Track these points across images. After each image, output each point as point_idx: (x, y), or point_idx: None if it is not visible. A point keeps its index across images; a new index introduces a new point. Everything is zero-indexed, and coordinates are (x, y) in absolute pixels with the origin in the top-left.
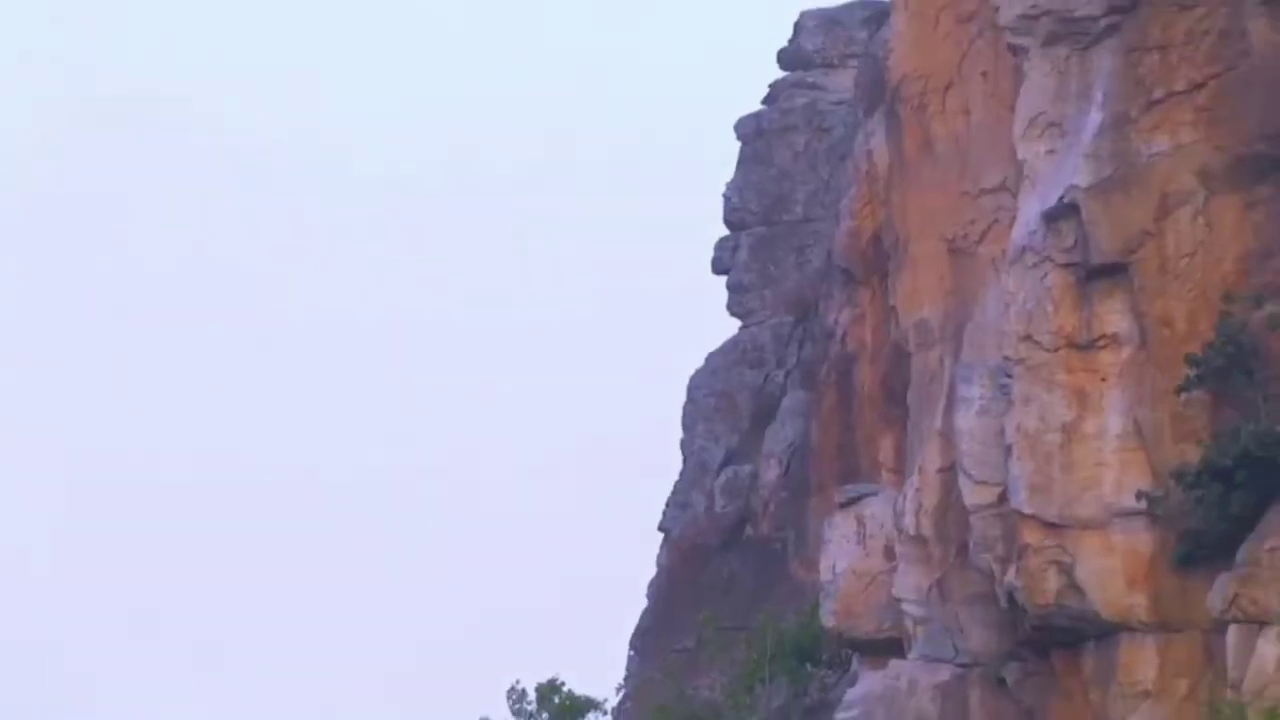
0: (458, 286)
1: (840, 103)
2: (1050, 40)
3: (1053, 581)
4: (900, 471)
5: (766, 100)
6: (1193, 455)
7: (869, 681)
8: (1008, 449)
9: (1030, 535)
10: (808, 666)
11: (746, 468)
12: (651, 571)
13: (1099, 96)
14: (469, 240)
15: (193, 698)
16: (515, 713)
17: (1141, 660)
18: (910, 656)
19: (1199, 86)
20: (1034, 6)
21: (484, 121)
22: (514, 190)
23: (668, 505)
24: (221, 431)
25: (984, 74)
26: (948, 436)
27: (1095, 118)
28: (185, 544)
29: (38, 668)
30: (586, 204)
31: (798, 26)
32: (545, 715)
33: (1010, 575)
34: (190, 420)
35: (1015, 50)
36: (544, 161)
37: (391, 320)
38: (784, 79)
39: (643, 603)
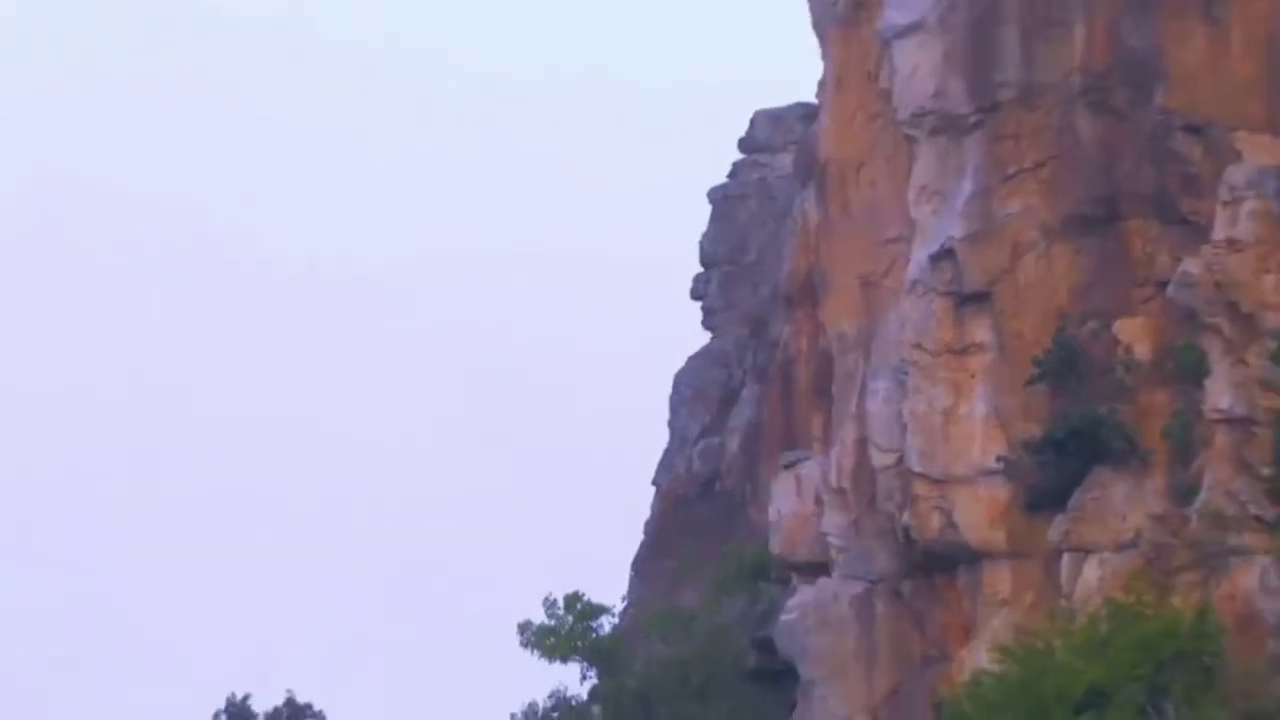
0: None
1: (783, 177)
2: (934, 132)
3: (936, 521)
4: (827, 442)
5: (730, 175)
6: (1036, 431)
7: (804, 593)
8: (904, 426)
9: (920, 488)
10: (760, 583)
11: (716, 440)
12: (647, 514)
13: (969, 173)
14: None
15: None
16: (549, 615)
17: (999, 578)
18: (834, 575)
19: (1041, 165)
20: (922, 108)
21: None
22: (541, 237)
23: (658, 467)
24: None
25: (886, 157)
26: (861, 418)
27: (966, 188)
28: None
29: None
30: (601, 248)
31: (752, 122)
32: (570, 618)
33: (905, 517)
34: None
35: (909, 140)
36: (565, 212)
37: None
38: (743, 160)
39: (640, 537)
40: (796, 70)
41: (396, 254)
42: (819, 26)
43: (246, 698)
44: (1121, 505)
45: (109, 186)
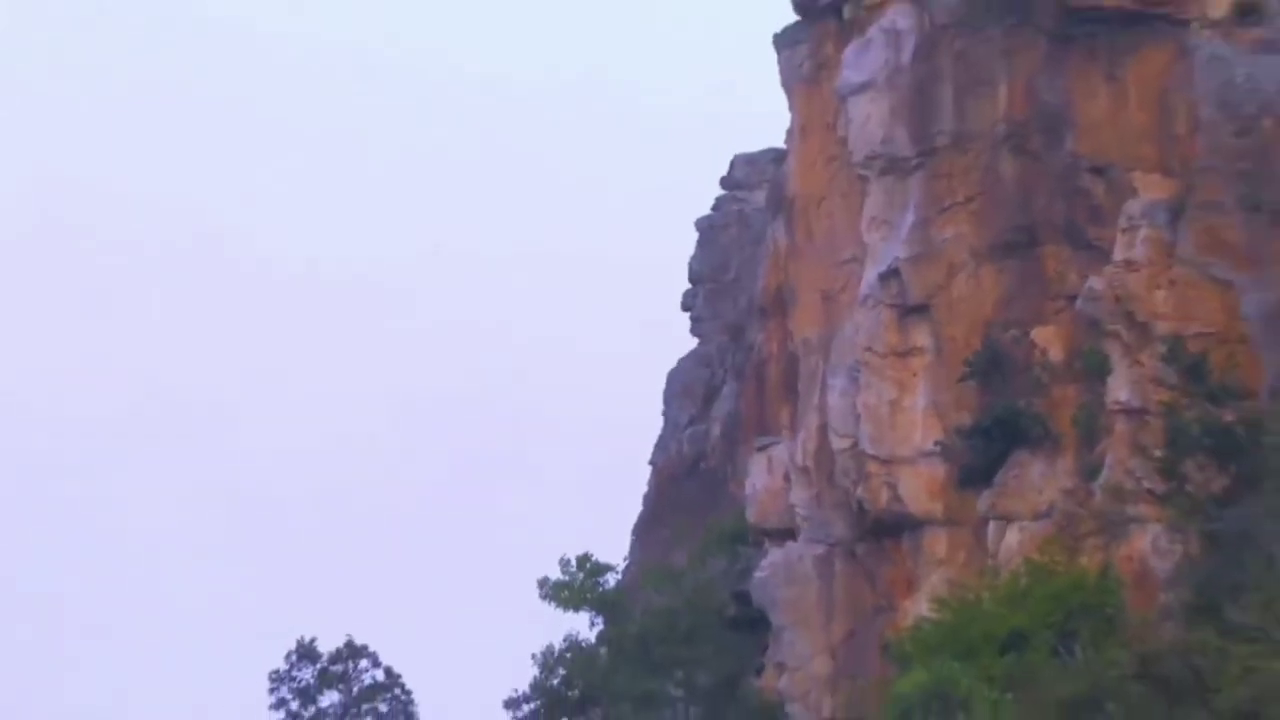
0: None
1: (758, 209)
2: (883, 172)
3: (884, 495)
4: (794, 429)
5: (714, 207)
6: (967, 420)
7: (775, 555)
8: (857, 416)
9: (871, 467)
10: (738, 546)
11: (702, 427)
12: (645, 489)
13: (911, 206)
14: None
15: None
16: (563, 573)
17: (937, 542)
18: (799, 539)
19: (971, 200)
20: (873, 152)
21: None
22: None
23: (654, 449)
24: None
25: (843, 193)
26: (822, 409)
27: (909, 218)
28: None
29: None
30: (605, 263)
31: (732, 163)
32: (581, 575)
33: (859, 491)
34: None
35: (862, 178)
36: (574, 239)
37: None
38: (724, 195)
39: (639, 508)
40: (770, 119)
41: (409, 255)
42: (787, 85)
43: (313, 640)
44: (1038, 481)
45: (110, 186)
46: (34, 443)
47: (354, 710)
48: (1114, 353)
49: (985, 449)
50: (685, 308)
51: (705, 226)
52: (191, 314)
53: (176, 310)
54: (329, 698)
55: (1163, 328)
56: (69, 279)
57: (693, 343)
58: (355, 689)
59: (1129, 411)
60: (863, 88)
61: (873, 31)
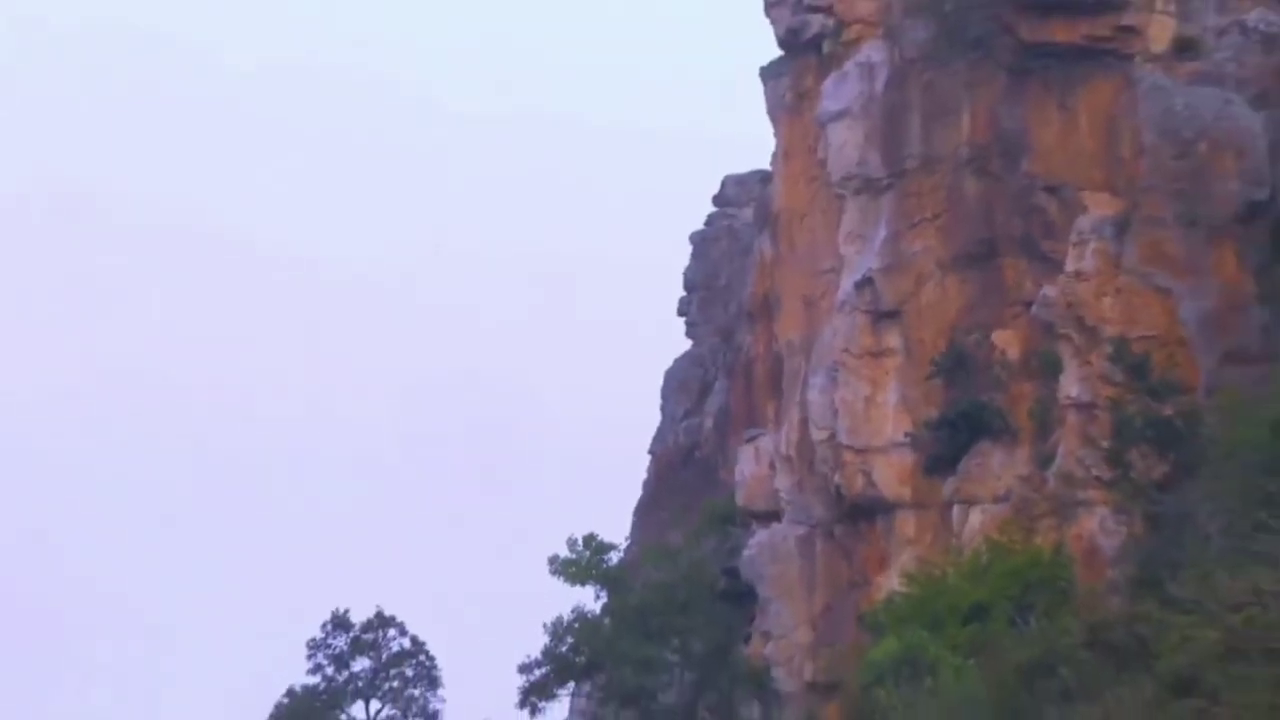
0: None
1: (746, 224)
2: (858, 191)
3: (859, 481)
4: (778, 422)
5: (706, 222)
6: (934, 413)
7: (761, 535)
8: (835, 410)
9: (847, 456)
10: (729, 527)
11: (696, 420)
12: (644, 476)
13: (884, 221)
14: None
15: None
16: (571, 551)
17: (907, 523)
18: (783, 521)
19: (937, 216)
20: (849, 173)
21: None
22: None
23: (653, 440)
24: None
25: (822, 210)
26: (803, 404)
27: (882, 232)
28: None
29: None
30: (611, 282)
31: (723, 183)
32: (587, 553)
33: (837, 477)
34: None
35: (839, 197)
36: (582, 251)
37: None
38: (716, 211)
39: (639, 492)
40: (757, 143)
41: (425, 257)
42: (772, 113)
43: (346, 611)
44: (997, 469)
45: (112, 186)
46: (82, 425)
47: (383, 675)
48: (1066, 353)
49: (950, 440)
50: (681, 313)
51: (698, 240)
52: (219, 304)
53: (199, 299)
54: (360, 663)
55: (1109, 331)
56: (87, 274)
57: (687, 344)
58: (384, 655)
59: (1079, 406)
60: (840, 115)
61: (849, 65)
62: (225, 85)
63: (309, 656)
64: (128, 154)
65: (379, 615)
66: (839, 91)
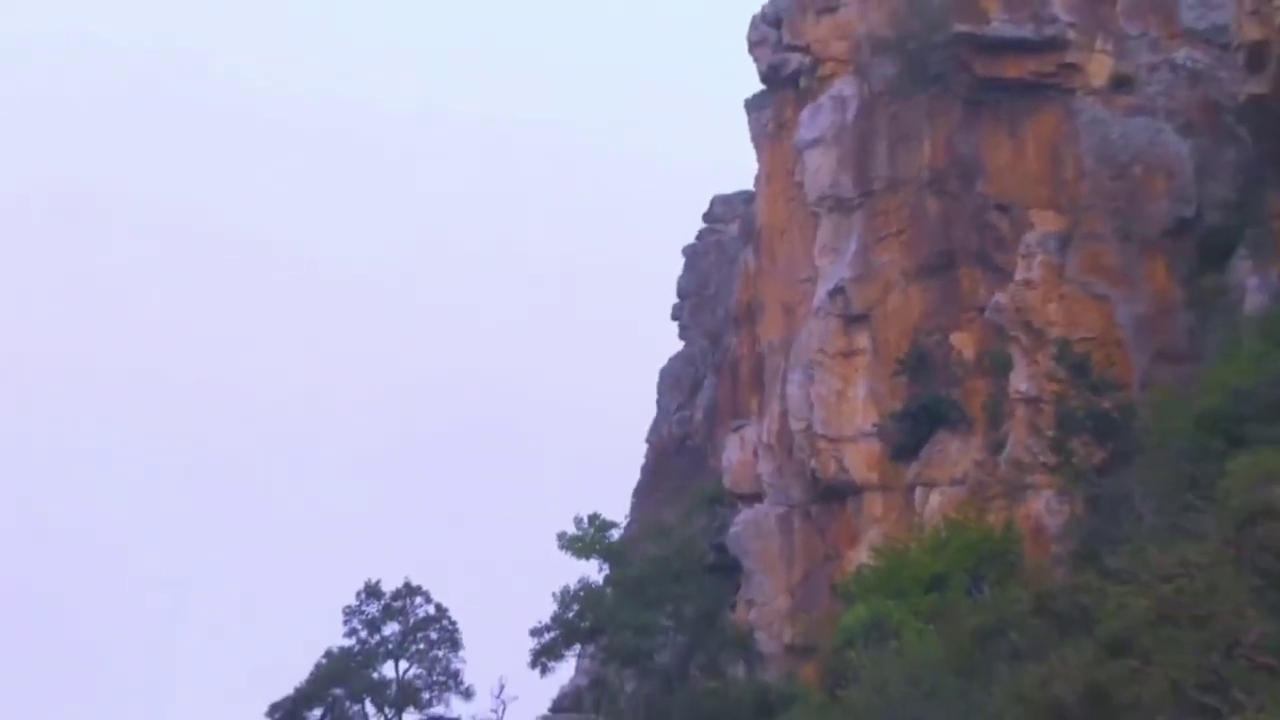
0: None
1: (733, 239)
2: (831, 210)
3: (833, 466)
4: (761, 414)
5: (697, 237)
6: (898, 406)
7: (745, 514)
8: (811, 403)
9: (822, 444)
10: (717, 507)
11: (688, 413)
12: (642, 460)
13: (855, 235)
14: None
15: None
16: (577, 528)
17: (874, 504)
18: (765, 502)
19: (901, 231)
20: (823, 194)
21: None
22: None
23: (650, 430)
24: None
25: (800, 226)
26: (783, 398)
27: (853, 246)
28: None
29: None
30: (612, 291)
31: (712, 202)
32: (591, 529)
33: (813, 463)
34: None
35: (815, 215)
36: (589, 263)
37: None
38: (705, 227)
39: (638, 476)
40: (742, 167)
41: (444, 261)
42: (756, 140)
43: (378, 581)
44: (955, 455)
45: (113, 186)
46: (142, 406)
47: (410, 638)
48: (1015, 353)
49: (913, 430)
50: (674, 318)
51: (690, 252)
52: (226, 303)
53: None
54: (390, 628)
55: (1054, 333)
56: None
57: (680, 345)
58: (411, 621)
59: (1027, 400)
60: (815, 142)
61: (823, 98)
62: (224, 90)
63: (345, 622)
64: (128, 155)
65: (407, 585)
66: (814, 121)
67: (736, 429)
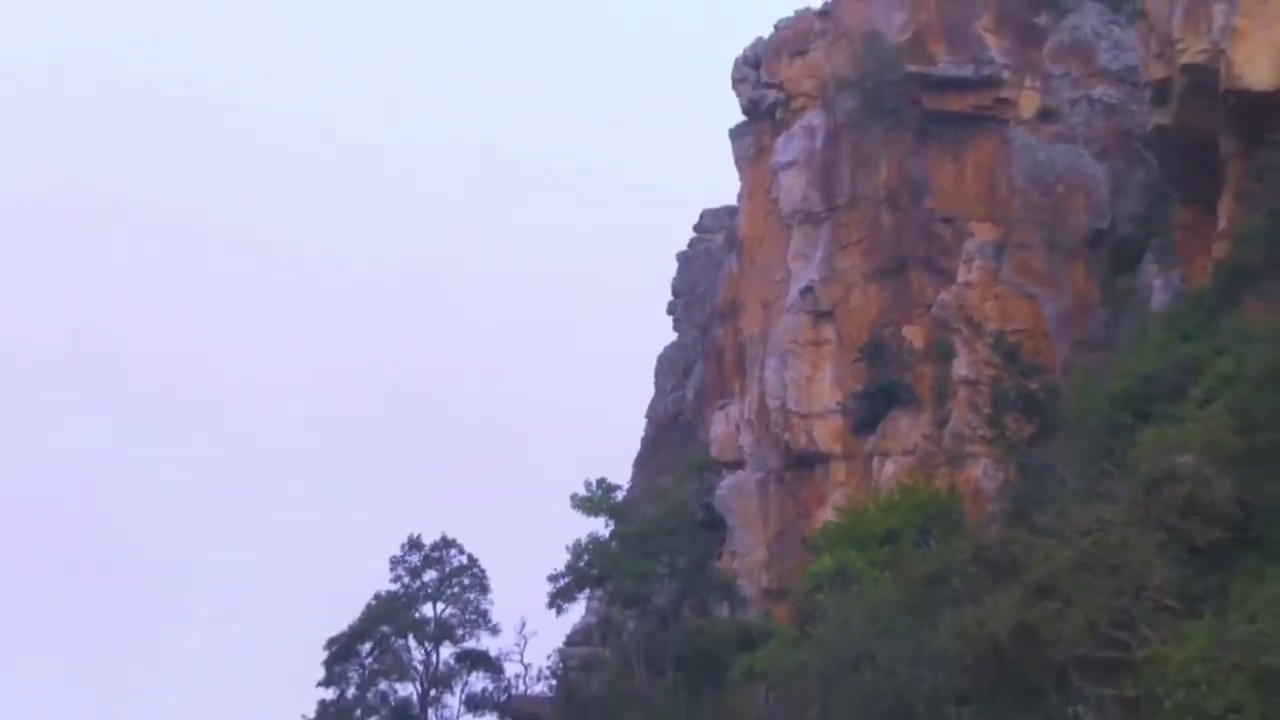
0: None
1: (719, 246)
2: (802, 222)
3: (802, 438)
4: (743, 395)
5: (689, 245)
6: (859, 388)
7: (729, 479)
8: (785, 385)
9: (794, 420)
10: (705, 473)
11: (681, 393)
12: (642, 433)
13: (822, 244)
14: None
15: None
16: (588, 490)
17: (838, 471)
18: (746, 469)
19: (861, 240)
20: (796, 209)
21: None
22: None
23: (649, 407)
24: None
25: (775, 236)
26: (761, 381)
27: (820, 252)
28: None
29: None
30: (619, 291)
31: (701, 215)
32: (600, 491)
33: (786, 435)
34: None
35: (788, 226)
36: (599, 268)
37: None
38: (696, 236)
39: (638, 446)
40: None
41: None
42: (739, 162)
43: (419, 535)
44: (906, 430)
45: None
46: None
47: (446, 583)
48: (957, 343)
49: (871, 408)
50: (669, 313)
51: (683, 258)
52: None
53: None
54: (429, 574)
55: (990, 326)
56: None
57: (674, 336)
58: (447, 569)
59: (967, 383)
60: (789, 165)
61: (795, 128)
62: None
63: (391, 570)
64: (132, 160)
65: (443, 539)
66: (788, 147)
67: (722, 407)
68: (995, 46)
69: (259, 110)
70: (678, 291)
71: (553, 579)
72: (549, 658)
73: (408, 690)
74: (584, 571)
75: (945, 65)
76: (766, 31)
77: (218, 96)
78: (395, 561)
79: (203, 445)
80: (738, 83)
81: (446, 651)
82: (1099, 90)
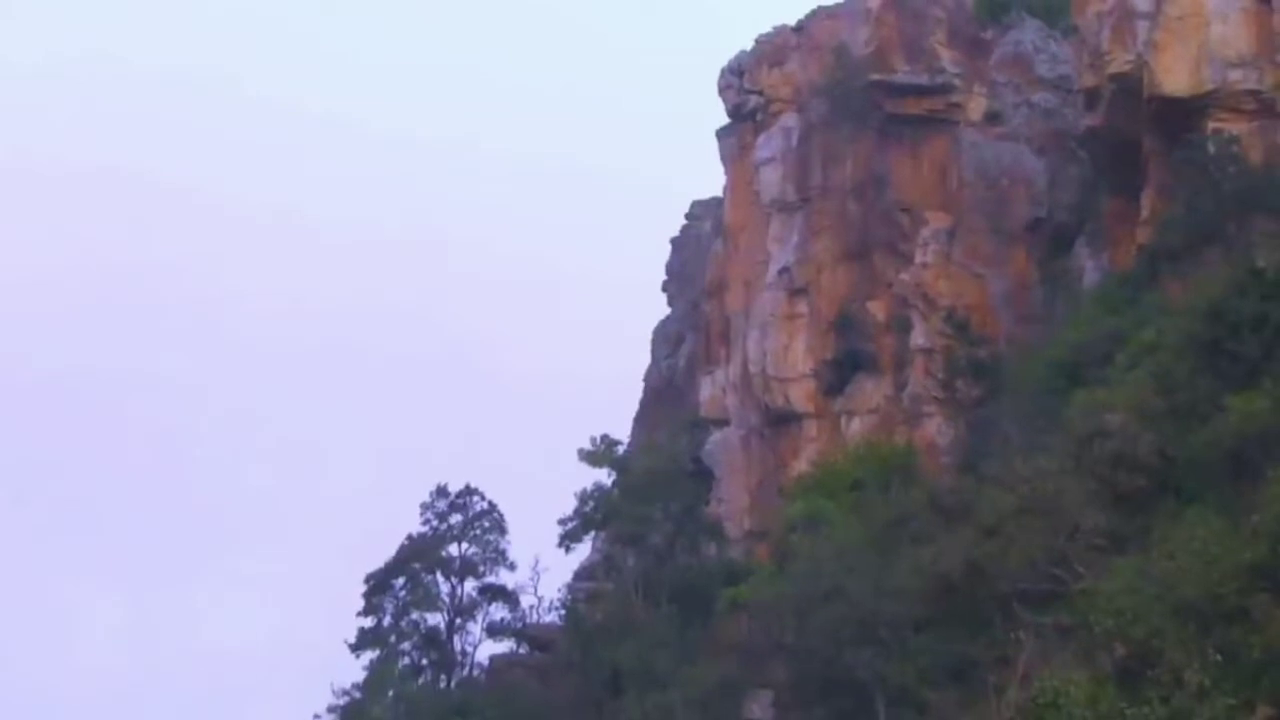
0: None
1: (707, 233)
2: (780, 211)
3: (780, 399)
4: (728, 362)
5: (681, 231)
6: (830, 356)
7: (716, 435)
8: (765, 354)
9: (773, 384)
10: (695, 429)
11: (674, 360)
12: (640, 395)
13: (797, 230)
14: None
15: None
16: (593, 445)
17: (812, 429)
18: (731, 426)
19: (831, 227)
20: (775, 199)
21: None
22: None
23: (646, 373)
24: None
25: (757, 223)
26: (744, 350)
27: (795, 237)
28: None
29: None
30: (619, 272)
31: (692, 205)
32: (604, 446)
33: (766, 397)
34: None
35: (768, 214)
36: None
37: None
38: (687, 223)
39: (636, 407)
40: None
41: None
42: (724, 159)
43: (446, 484)
44: (870, 392)
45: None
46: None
47: (470, 526)
48: (914, 317)
49: (839, 373)
50: (664, 290)
51: (675, 243)
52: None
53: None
54: (455, 518)
55: (943, 302)
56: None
57: (668, 311)
58: (470, 513)
59: (924, 351)
60: (768, 161)
61: (774, 128)
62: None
63: (421, 514)
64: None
65: (467, 487)
66: (768, 145)
67: (710, 373)
68: (947, 58)
69: (260, 100)
70: (671, 272)
71: (562, 522)
72: (559, 591)
73: (436, 619)
74: (590, 515)
75: (904, 74)
76: (749, 45)
77: (218, 87)
78: (425, 507)
79: (267, 407)
80: (723, 89)
81: (470, 585)
82: (1038, 96)
